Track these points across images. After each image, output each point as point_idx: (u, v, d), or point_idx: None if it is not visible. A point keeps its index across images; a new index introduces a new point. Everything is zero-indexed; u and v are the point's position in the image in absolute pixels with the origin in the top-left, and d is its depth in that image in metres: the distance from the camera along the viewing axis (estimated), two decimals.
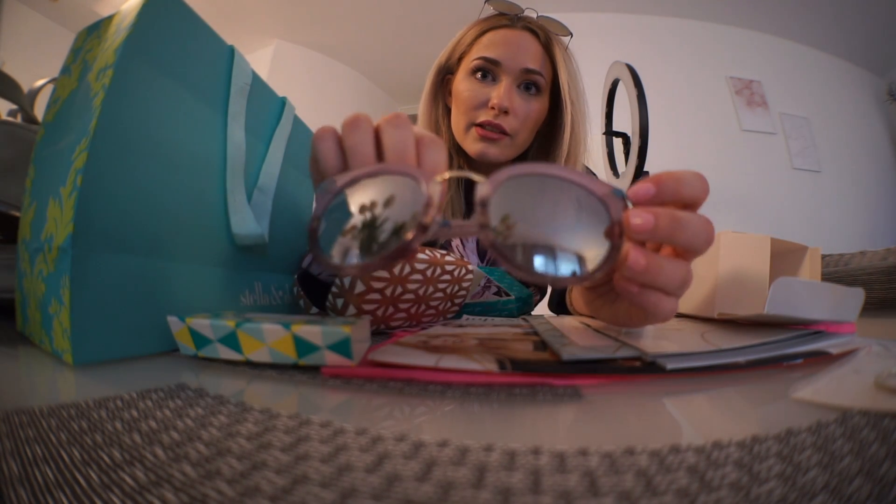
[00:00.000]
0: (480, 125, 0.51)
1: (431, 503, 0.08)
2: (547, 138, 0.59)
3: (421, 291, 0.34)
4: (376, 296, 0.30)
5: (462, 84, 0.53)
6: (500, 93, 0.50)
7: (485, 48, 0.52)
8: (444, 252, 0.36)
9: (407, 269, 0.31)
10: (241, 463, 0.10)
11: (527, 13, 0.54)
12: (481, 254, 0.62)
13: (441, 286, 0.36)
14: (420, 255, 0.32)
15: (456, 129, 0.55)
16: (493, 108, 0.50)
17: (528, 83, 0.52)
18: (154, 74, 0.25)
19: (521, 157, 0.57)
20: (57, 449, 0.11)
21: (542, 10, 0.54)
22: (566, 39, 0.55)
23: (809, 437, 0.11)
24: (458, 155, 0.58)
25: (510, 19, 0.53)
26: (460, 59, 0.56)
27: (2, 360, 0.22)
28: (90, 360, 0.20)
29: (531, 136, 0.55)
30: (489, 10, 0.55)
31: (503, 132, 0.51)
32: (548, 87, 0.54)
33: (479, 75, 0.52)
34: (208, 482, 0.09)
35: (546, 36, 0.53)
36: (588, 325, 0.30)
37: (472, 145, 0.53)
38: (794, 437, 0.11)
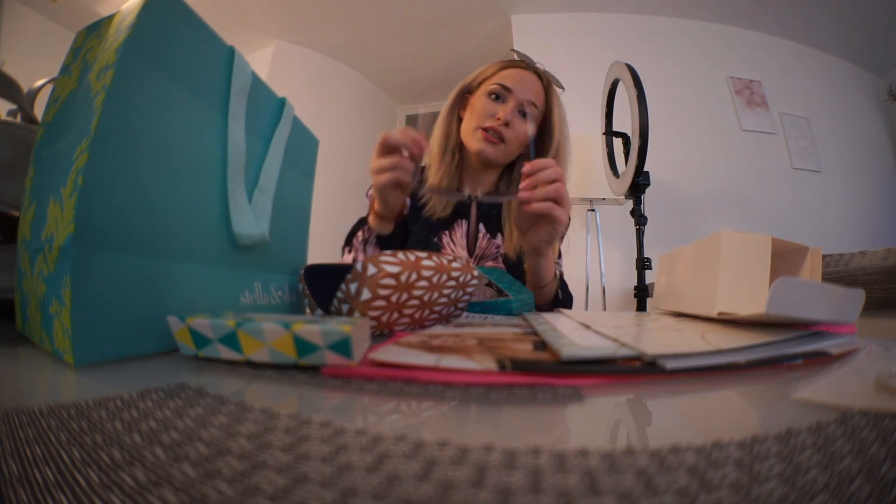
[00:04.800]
0: (486, 129, 0.68)
1: (431, 503, 0.08)
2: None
3: (426, 297, 0.33)
4: (382, 302, 0.30)
5: (479, 101, 0.71)
6: (506, 110, 0.68)
7: (502, 78, 0.70)
8: (450, 258, 0.36)
9: (414, 275, 0.31)
10: (241, 463, 0.10)
11: (538, 65, 0.74)
12: (470, 250, 0.73)
13: (446, 292, 0.35)
14: (427, 262, 0.32)
15: (465, 130, 0.73)
16: (498, 118, 0.68)
17: (525, 111, 0.70)
18: (155, 74, 0.25)
19: (510, 167, 0.76)
20: (57, 449, 0.11)
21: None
22: (560, 92, 0.75)
23: (809, 437, 0.11)
24: (458, 152, 0.74)
25: (526, 64, 0.73)
26: (480, 83, 0.74)
27: (2, 360, 0.22)
28: (91, 360, 0.20)
29: (517, 152, 0.72)
30: (511, 56, 0.75)
31: (501, 138, 0.68)
32: (538, 120, 0.72)
33: (493, 96, 0.70)
34: (208, 482, 0.09)
35: (548, 82, 0.72)
36: (588, 326, 0.30)
37: (475, 143, 0.69)
38: (794, 437, 0.11)
